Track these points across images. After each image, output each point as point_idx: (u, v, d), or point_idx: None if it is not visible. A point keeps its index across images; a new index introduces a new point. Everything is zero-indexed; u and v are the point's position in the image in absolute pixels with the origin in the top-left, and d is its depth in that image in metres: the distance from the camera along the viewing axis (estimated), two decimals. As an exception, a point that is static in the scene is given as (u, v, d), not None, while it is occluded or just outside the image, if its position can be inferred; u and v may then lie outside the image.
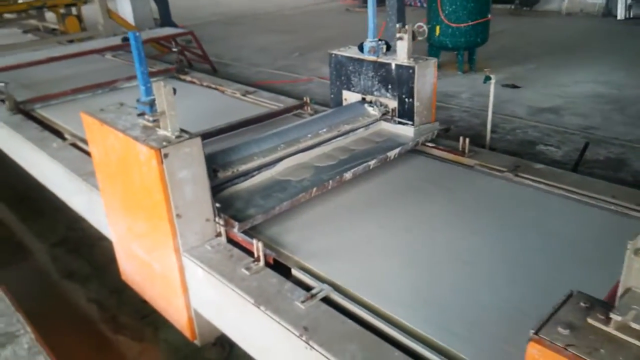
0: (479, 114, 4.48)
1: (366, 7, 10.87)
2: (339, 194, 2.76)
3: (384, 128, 3.31)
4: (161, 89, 2.19)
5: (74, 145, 3.59)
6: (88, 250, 3.59)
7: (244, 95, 4.53)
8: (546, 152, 3.66)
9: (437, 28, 5.53)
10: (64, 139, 3.73)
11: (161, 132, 2.24)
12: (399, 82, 3.16)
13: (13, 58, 4.94)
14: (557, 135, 3.92)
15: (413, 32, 3.11)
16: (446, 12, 5.50)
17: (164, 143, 2.12)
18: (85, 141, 3.56)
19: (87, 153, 3.41)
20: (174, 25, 9.27)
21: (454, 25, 5.49)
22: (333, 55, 3.54)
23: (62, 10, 8.39)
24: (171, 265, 2.32)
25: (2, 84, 4.20)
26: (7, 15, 9.09)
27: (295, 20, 10.19)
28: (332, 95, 3.65)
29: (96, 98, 4.71)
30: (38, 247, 3.78)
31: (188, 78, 5.19)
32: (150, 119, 2.27)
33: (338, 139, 3.11)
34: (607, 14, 8.41)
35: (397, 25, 3.18)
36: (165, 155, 2.10)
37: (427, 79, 3.13)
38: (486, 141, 3.21)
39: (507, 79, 5.25)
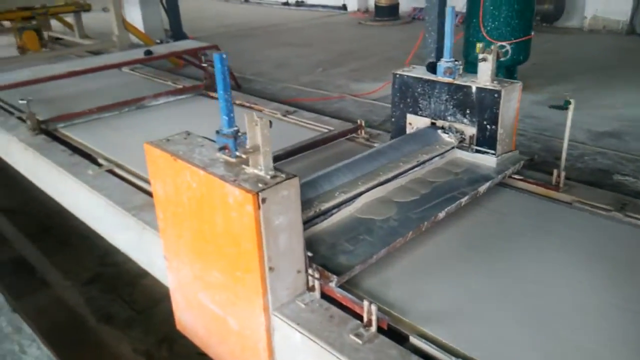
0: (537, 137, 4.22)
1: (378, 21, 10.63)
2: (431, 234, 2.45)
3: (459, 157, 3.02)
4: (256, 122, 1.87)
5: (111, 172, 3.24)
6: (127, 290, 3.22)
7: (284, 115, 4.22)
8: (625, 182, 3.39)
9: (478, 44, 5.26)
10: (97, 164, 3.38)
11: (250, 170, 1.92)
12: (480, 107, 2.87)
13: (30, 72, 4.57)
14: (630, 164, 3.66)
15: (498, 53, 2.84)
16: (488, 28, 5.25)
17: (260, 185, 1.80)
18: (122, 167, 3.23)
19: (128, 181, 3.09)
20: (184, 36, 8.95)
21: (496, 42, 5.23)
22: (397, 75, 3.26)
23: (67, 18, 8.06)
24: (255, 325, 1.98)
25: (24, 102, 3.84)
26: (7, 24, 8.71)
27: (307, 33, 9.92)
28: (393, 119, 3.35)
29: (123, 117, 4.37)
30: (67, 285, 3.40)
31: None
32: (240, 155, 1.94)
33: (414, 169, 2.81)
34: (631, 31, 8.26)
35: (479, 45, 2.90)
36: (263, 200, 1.77)
37: (511, 104, 2.85)
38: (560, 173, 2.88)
39: (551, 100, 4.99)
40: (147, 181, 3.08)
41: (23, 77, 4.39)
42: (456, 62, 2.98)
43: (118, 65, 5.01)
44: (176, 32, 8.82)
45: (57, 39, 8.09)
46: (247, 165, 1.94)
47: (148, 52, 5.19)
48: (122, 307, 3.12)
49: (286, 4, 13.78)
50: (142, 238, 2.64)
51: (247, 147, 1.91)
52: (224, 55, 1.95)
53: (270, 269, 1.87)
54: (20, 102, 3.86)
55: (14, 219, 4.29)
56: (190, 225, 2.15)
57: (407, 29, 9.92)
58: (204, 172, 1.94)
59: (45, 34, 8.17)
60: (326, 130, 3.73)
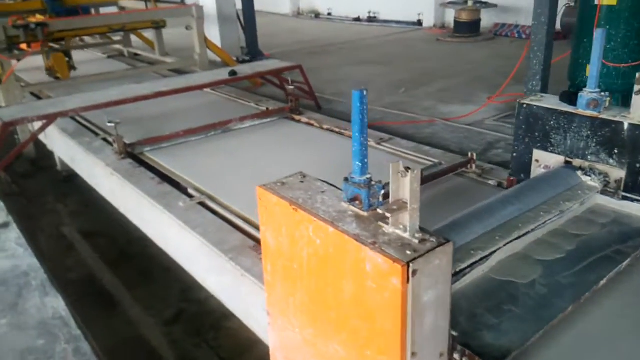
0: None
1: (457, 37, 10.08)
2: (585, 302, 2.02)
3: (602, 204, 2.56)
4: (403, 172, 1.54)
5: (203, 204, 3.01)
6: (212, 334, 2.97)
7: (378, 143, 3.89)
8: None
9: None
10: (187, 194, 3.17)
11: (390, 230, 1.58)
12: (634, 146, 2.41)
13: (117, 92, 4.49)
14: None
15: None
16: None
17: (409, 253, 1.46)
18: (214, 200, 3.00)
19: (222, 217, 2.84)
20: (260, 54, 8.87)
21: (611, 64, 4.69)
22: (524, 105, 2.84)
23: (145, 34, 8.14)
24: (386, 415, 1.63)
25: (112, 124, 3.72)
26: (88, 40, 8.94)
27: (384, 50, 9.60)
28: (515, 154, 2.93)
29: (209, 141, 4.19)
30: (149, 323, 3.20)
31: (304, 119, 4.60)
32: (378, 210, 1.61)
33: (552, 218, 2.38)
34: None
35: (638, 75, 2.45)
36: (414, 273, 1.43)
37: (674, 144, 2.37)
38: None
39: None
40: (242, 218, 2.83)
41: (110, 97, 4.31)
42: (603, 94, 2.54)
43: (204, 87, 4.87)
44: (252, 49, 8.78)
45: (136, 54, 8.19)
46: (384, 222, 1.61)
47: (233, 73, 5.03)
48: (207, 353, 2.87)
49: (358, 19, 13.56)
50: (240, 285, 2.36)
51: (390, 201, 1.58)
52: (364, 92, 1.63)
53: (413, 354, 1.52)
54: (109, 124, 3.74)
55: (94, 243, 4.20)
56: (307, 284, 1.84)
57: (490, 46, 9.40)
58: (334, 228, 1.62)
59: (125, 50, 8.32)
60: (431, 163, 3.36)
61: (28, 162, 5.43)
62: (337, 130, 4.26)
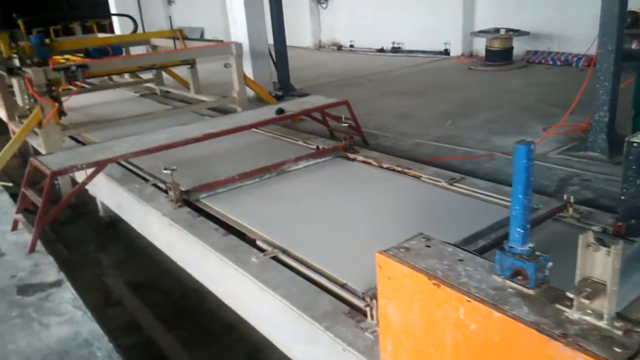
0: None
1: (490, 65, 9.80)
2: None
3: None
4: (595, 246, 1.26)
5: (277, 259, 2.75)
6: (294, 407, 2.66)
7: (450, 184, 3.61)
8: None
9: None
10: (257, 247, 2.91)
11: (576, 315, 1.29)
12: None
13: (165, 135, 4.30)
14: None
15: None
16: (673, 76, 4.45)
17: (618, 350, 1.17)
18: (288, 253, 2.73)
19: (302, 275, 2.57)
20: (292, 88, 8.73)
21: (685, 91, 4.42)
22: (634, 144, 2.56)
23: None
24: None
25: (168, 171, 3.50)
26: (117, 79, 8.89)
27: (416, 80, 9.42)
28: (623, 197, 2.65)
29: (265, 184, 3.95)
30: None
31: (359, 157, 4.36)
32: (559, 293, 1.33)
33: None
34: None
35: None
36: (629, 377, 1.13)
37: None
38: None
39: None
40: (325, 276, 2.55)
41: (159, 141, 4.12)
42: None
43: (252, 126, 4.67)
44: (284, 84, 8.64)
45: (167, 92, 8.08)
46: (562, 304, 1.32)
47: (280, 111, 4.83)
48: None
49: (381, 50, 13.46)
50: (339, 360, 2.07)
51: (578, 279, 1.29)
52: (532, 147, 1.37)
53: None
54: (165, 172, 3.52)
55: (144, 296, 3.93)
56: (451, 373, 1.55)
57: (525, 74, 9.18)
58: (500, 313, 1.34)
59: (157, 89, 8.22)
60: (502, 202, 3.07)
61: (67, 208, 5.23)
62: (399, 169, 4.01)
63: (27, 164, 3.95)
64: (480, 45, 10.91)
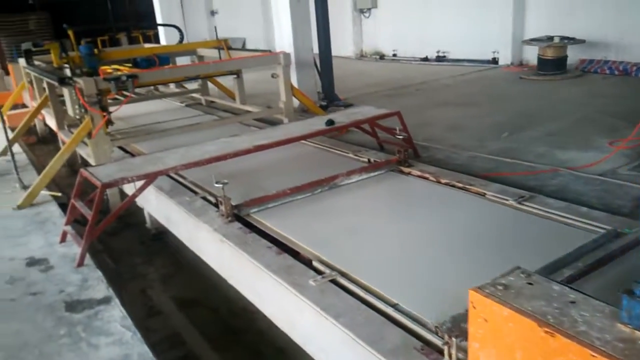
0: None
1: (543, 75, 9.34)
2: None
3: None
4: None
5: (335, 282, 2.56)
6: None
7: (519, 203, 3.34)
8: None
9: None
10: (314, 269, 2.73)
11: None
12: None
13: (214, 146, 4.20)
14: None
15: None
16: None
17: None
18: (347, 277, 2.54)
19: (364, 301, 2.37)
20: (337, 98, 8.58)
21: None
22: None
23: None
24: None
25: (220, 185, 3.37)
26: (163, 88, 8.94)
27: (465, 91, 9.11)
28: None
29: (317, 199, 3.79)
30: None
31: (415, 172, 4.13)
32: None
33: None
34: None
35: None
36: None
37: None
38: None
39: None
40: (390, 304, 2.34)
41: (210, 153, 4.01)
42: None
43: (302, 138, 4.52)
44: (329, 94, 8.49)
45: (212, 102, 8.06)
46: None
47: (330, 122, 4.66)
48: None
49: (425, 59, 13.19)
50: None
51: None
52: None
53: None
54: (216, 185, 3.40)
55: (191, 313, 3.81)
56: None
57: (580, 84, 8.74)
58: (638, 374, 1.11)
59: (203, 99, 8.21)
60: (602, 231, 2.78)
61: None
62: (460, 185, 3.76)
63: (77, 175, 3.91)
64: (530, 54, 10.50)
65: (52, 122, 7.63)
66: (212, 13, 20.86)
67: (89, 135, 4.94)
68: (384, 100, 8.78)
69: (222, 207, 3.44)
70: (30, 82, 8.61)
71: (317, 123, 4.76)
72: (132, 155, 5.46)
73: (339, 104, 8.35)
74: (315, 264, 2.78)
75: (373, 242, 3.06)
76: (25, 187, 5.39)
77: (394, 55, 14.29)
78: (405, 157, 4.24)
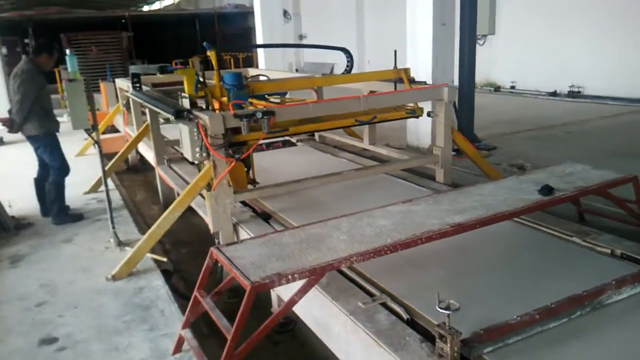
0: None
1: None
2: None
3: None
4: None
5: None
6: None
7: None
8: None
9: None
10: None
11: None
12: None
13: (387, 221, 2.89)
14: None
15: None
16: None
17: None
18: None
19: None
20: (477, 140, 7.13)
21: None
22: None
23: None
24: None
25: (446, 311, 2.02)
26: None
27: (637, 138, 7.35)
28: None
29: (575, 327, 2.34)
30: None
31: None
32: None
33: None
34: None
35: None
36: None
37: None
38: None
39: None
40: None
41: (388, 233, 2.70)
42: None
43: (513, 215, 3.10)
44: (468, 134, 7.04)
45: (324, 137, 6.82)
46: None
47: (547, 190, 3.23)
48: None
49: (554, 94, 11.46)
50: None
51: None
52: None
53: None
54: (441, 310, 2.05)
55: None
56: None
57: None
58: None
59: (317, 135, 6.98)
60: None
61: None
62: None
63: (207, 257, 2.71)
64: None
65: (149, 155, 6.69)
66: (301, 37, 20.16)
67: (209, 185, 3.79)
68: (531, 144, 7.22)
69: (445, 347, 2.07)
70: (127, 106, 7.81)
71: (527, 190, 3.34)
72: (252, 208, 4.28)
73: (480, 146, 6.91)
74: None
75: None
76: (121, 244, 4.33)
77: (512, 87, 12.65)
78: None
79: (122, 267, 3.71)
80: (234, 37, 23.39)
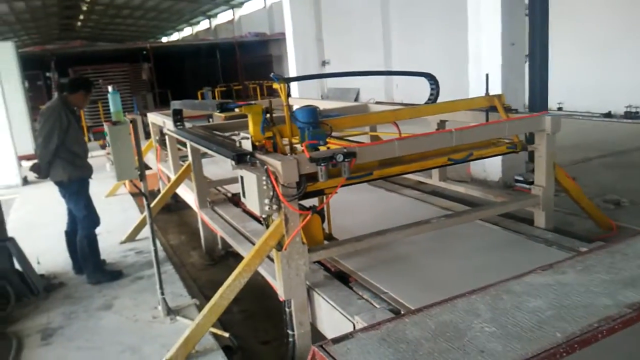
0: None
1: None
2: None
3: None
4: None
5: None
6: None
7: None
8: None
9: None
10: None
11: None
12: None
13: (539, 302, 2.15)
14: None
15: None
16: None
17: None
18: None
19: None
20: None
21: None
22: None
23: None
24: None
25: None
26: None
27: None
28: None
29: None
30: None
31: None
32: None
33: None
34: None
35: None
36: None
37: None
38: None
39: None
40: None
41: (542, 318, 1.97)
42: None
43: None
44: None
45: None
46: None
47: None
48: None
49: (608, 115, 10.66)
50: None
51: None
52: None
53: None
54: None
55: None
56: None
57: None
58: None
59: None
60: None
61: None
62: None
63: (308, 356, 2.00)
64: None
65: (188, 196, 6.06)
66: (324, 63, 19.66)
67: (280, 245, 3.11)
68: (610, 174, 6.44)
69: None
70: (162, 142, 7.23)
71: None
72: (325, 267, 3.58)
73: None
74: None
75: None
76: (171, 312, 3.63)
77: (559, 108, 11.87)
78: None
79: (178, 349, 3.00)
80: (255, 65, 23.06)
